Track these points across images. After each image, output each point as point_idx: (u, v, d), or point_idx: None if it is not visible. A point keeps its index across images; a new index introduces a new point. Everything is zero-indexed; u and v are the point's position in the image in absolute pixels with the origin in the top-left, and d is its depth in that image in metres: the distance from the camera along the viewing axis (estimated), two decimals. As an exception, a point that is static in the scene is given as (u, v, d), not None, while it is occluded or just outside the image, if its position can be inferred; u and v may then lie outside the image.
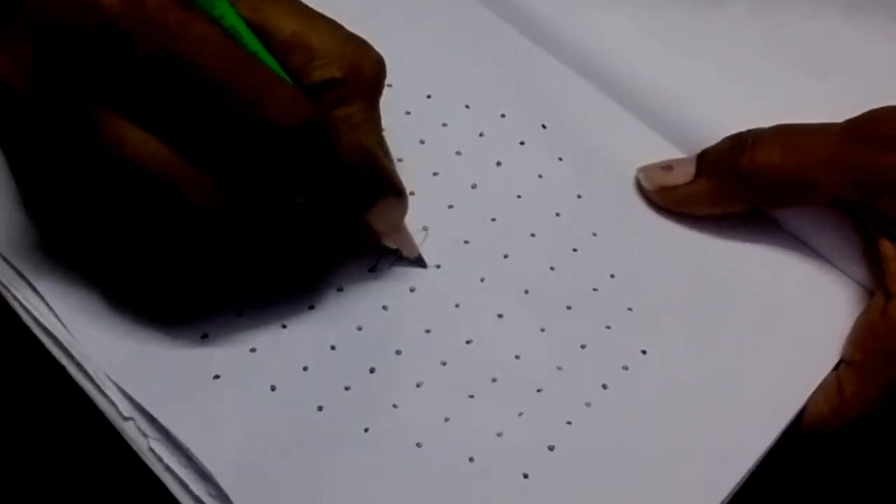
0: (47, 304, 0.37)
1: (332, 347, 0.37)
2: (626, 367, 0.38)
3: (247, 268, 0.36)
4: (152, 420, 0.35)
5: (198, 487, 0.35)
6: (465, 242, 0.40)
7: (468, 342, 0.38)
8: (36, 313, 0.37)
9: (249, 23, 0.34)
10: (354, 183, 0.35)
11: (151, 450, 0.35)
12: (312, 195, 0.34)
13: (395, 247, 0.39)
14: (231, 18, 0.33)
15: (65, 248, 0.37)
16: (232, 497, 0.34)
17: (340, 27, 0.36)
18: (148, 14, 0.31)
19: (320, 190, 0.34)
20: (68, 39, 0.31)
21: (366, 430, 0.36)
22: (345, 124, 0.35)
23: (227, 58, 0.31)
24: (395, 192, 0.36)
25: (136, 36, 0.31)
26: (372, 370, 0.37)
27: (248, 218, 0.33)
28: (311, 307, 0.38)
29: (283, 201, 0.34)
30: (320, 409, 0.36)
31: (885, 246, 0.39)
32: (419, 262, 0.39)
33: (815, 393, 0.38)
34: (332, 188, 0.34)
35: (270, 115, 0.32)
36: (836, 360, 0.39)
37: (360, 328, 0.38)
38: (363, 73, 0.36)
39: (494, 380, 0.37)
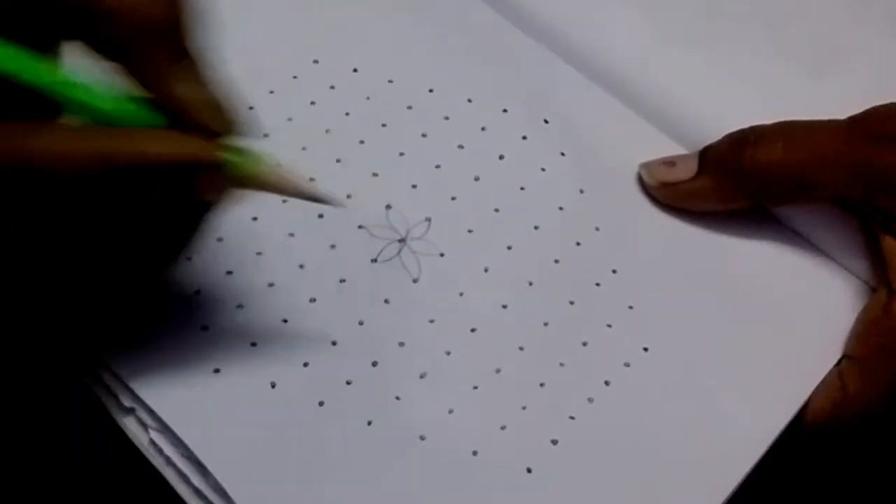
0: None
1: (334, 343, 0.37)
2: (627, 364, 0.38)
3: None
4: (152, 412, 0.35)
5: (199, 480, 0.34)
6: (469, 232, 0.40)
7: (472, 330, 0.38)
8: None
9: None
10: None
11: (152, 442, 0.35)
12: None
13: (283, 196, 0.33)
14: (46, 77, 0.30)
15: None
16: (230, 492, 0.34)
17: None
18: None
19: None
20: None
21: (369, 423, 0.36)
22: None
23: (79, 150, 0.29)
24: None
25: None
26: (374, 363, 0.37)
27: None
28: (313, 300, 0.38)
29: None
30: (321, 404, 0.36)
31: (888, 242, 0.39)
32: (329, 199, 0.32)
33: (816, 389, 0.38)
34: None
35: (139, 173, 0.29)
36: (838, 357, 0.39)
37: (361, 323, 0.38)
38: (150, 19, 0.30)
39: (498, 370, 0.37)
